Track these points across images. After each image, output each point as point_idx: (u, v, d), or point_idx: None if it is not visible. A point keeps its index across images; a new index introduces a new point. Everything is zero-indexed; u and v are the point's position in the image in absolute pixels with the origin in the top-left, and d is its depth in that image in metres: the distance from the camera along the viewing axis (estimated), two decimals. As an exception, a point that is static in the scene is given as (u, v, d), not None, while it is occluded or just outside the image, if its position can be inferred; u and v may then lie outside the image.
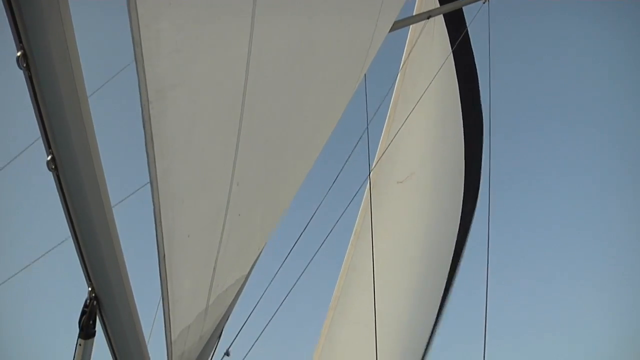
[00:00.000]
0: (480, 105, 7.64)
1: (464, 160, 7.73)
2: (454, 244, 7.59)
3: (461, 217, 7.65)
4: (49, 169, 1.46)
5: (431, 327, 7.34)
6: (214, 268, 2.46)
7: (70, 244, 1.74)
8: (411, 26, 7.28)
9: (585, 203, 15.55)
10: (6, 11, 1.27)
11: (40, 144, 1.49)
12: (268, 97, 2.34)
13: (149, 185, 1.75)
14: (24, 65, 1.32)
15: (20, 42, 1.30)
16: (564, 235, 15.89)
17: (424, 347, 7.31)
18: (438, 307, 7.43)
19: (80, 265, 1.74)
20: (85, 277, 1.75)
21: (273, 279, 3.88)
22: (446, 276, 7.52)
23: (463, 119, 7.75)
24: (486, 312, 3.94)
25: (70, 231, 1.64)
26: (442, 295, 7.46)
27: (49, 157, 1.44)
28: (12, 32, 1.30)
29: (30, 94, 1.36)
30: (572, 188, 15.94)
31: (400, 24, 6.18)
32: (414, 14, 7.19)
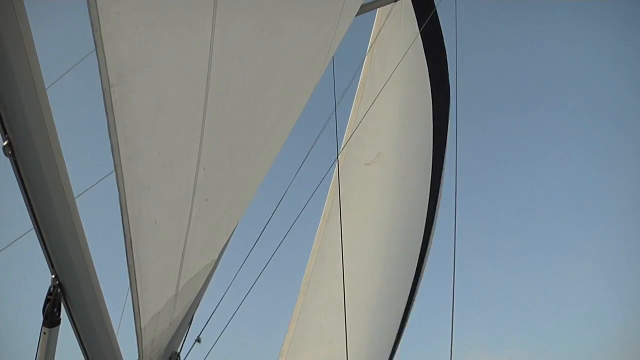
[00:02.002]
0: (448, 85, 7.71)
1: (432, 141, 7.80)
2: (424, 225, 7.67)
3: (429, 197, 7.73)
4: (5, 155, 1.43)
5: (403, 308, 7.43)
6: (182, 254, 2.45)
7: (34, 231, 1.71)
8: (378, 9, 7.28)
9: (551, 184, 15.92)
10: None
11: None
12: (233, 81, 2.32)
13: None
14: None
15: None
16: (528, 214, 16.27)
17: (397, 330, 7.40)
18: (410, 289, 7.52)
19: (43, 253, 1.71)
20: (48, 264, 1.73)
21: (243, 264, 3.87)
22: (417, 257, 7.60)
23: (432, 100, 7.80)
24: (453, 291, 4.01)
25: (31, 218, 1.62)
26: (413, 276, 7.55)
27: (5, 142, 1.41)
28: None
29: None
30: (539, 168, 16.29)
31: (368, 7, 6.18)
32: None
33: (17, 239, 3.55)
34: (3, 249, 3.40)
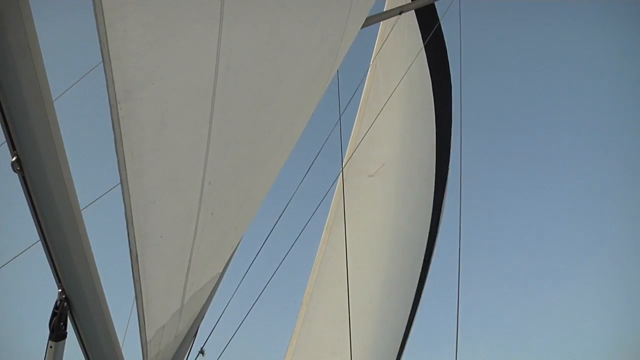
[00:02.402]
0: (451, 98, 7.74)
1: (435, 153, 7.81)
2: (427, 236, 7.67)
3: (433, 209, 7.73)
4: (14, 171, 1.44)
5: (406, 320, 7.40)
6: (188, 267, 2.46)
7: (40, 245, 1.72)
8: (382, 22, 7.32)
9: (557, 196, 15.88)
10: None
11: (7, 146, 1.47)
12: (238, 94, 2.34)
13: (119, 186, 1.74)
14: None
15: None
16: (534, 228, 16.22)
17: (400, 341, 7.36)
18: (413, 300, 7.49)
19: (49, 267, 1.72)
20: (54, 278, 1.74)
21: (244, 276, 3.87)
22: (420, 269, 7.58)
23: (435, 112, 7.83)
24: (458, 304, 4.00)
25: (38, 232, 1.63)
26: (416, 288, 7.52)
27: (14, 158, 1.43)
28: None
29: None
30: (545, 181, 16.27)
31: (373, 20, 6.21)
32: (385, 9, 7.23)
33: (23, 252, 3.57)
34: (9, 262, 3.41)
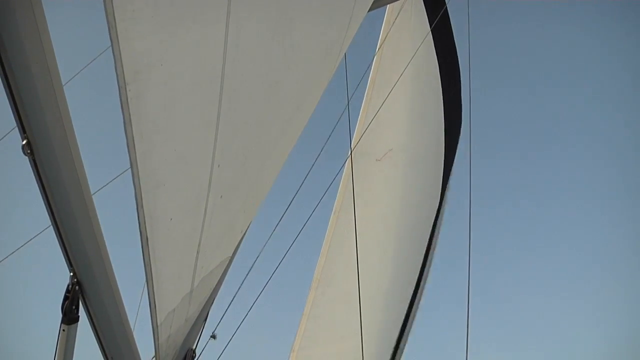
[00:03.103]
0: (459, 81, 7.69)
1: (444, 136, 7.79)
2: (433, 220, 7.66)
3: (441, 193, 7.71)
4: (25, 154, 1.44)
5: (411, 301, 7.42)
6: (197, 251, 2.46)
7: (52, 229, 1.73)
8: (388, 5, 7.26)
9: (560, 184, 15.78)
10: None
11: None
12: (247, 77, 2.32)
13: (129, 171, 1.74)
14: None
15: None
16: (542, 210, 16.14)
17: (407, 321, 7.39)
18: (415, 285, 7.50)
19: (61, 251, 1.73)
20: (66, 262, 1.74)
21: (255, 261, 3.88)
22: (423, 251, 7.59)
23: (443, 95, 7.79)
24: (469, 284, 3.99)
25: (50, 217, 1.63)
26: (418, 272, 7.54)
27: (24, 142, 1.42)
28: None
29: (1, 78, 1.33)
30: (550, 165, 16.16)
31: (379, 3, 6.14)
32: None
33: (35, 237, 3.58)
34: (21, 247, 3.43)
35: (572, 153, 15.73)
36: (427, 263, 7.52)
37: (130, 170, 1.73)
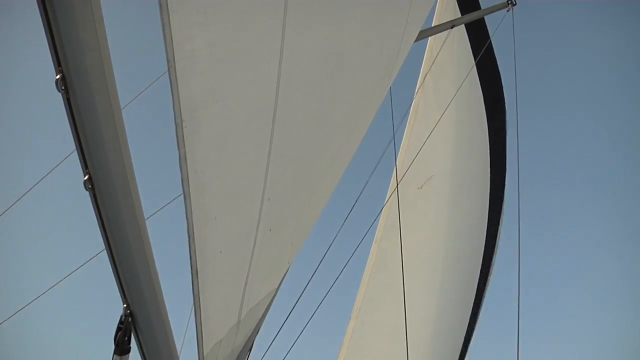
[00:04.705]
0: (505, 111, 7.60)
1: (489, 164, 7.67)
2: (483, 248, 7.48)
3: (488, 221, 7.54)
4: (86, 189, 1.48)
5: (463, 337, 7.20)
6: (245, 283, 2.46)
7: (105, 258, 1.76)
8: (430, 37, 7.29)
9: (618, 204, 15.21)
10: (46, 35, 1.29)
11: (75, 158, 1.51)
12: (298, 111, 2.35)
13: (179, 198, 1.77)
14: (62, 88, 1.34)
15: (59, 65, 1.33)
16: (595, 236, 15.57)
17: (458, 355, 7.18)
18: (470, 314, 7.29)
19: (115, 282, 1.76)
20: (120, 293, 1.77)
21: (302, 293, 3.87)
22: (476, 281, 7.38)
23: (487, 124, 7.70)
24: (519, 315, 3.86)
25: (106, 249, 1.66)
26: (472, 304, 7.32)
27: (86, 177, 1.46)
28: (52, 56, 1.32)
29: (68, 117, 1.38)
30: (599, 189, 15.64)
31: (426, 34, 6.17)
32: (433, 23, 7.21)
33: (85, 263, 3.68)
34: (71, 273, 3.52)
35: (617, 177, 15.21)
36: (482, 292, 7.30)
37: (178, 199, 1.76)
